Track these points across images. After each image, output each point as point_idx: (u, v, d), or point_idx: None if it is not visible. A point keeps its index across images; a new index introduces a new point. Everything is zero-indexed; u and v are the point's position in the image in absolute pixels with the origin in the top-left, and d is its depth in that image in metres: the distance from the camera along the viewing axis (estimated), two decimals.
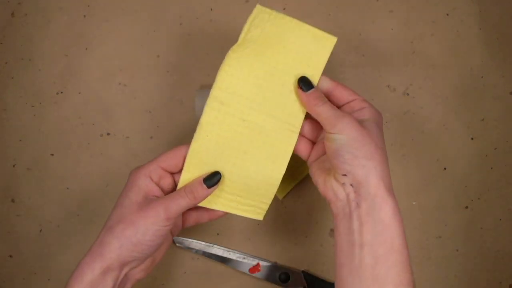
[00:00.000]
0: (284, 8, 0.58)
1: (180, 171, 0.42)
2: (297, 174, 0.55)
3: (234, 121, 0.42)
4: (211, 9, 0.58)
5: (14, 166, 0.57)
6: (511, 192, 0.57)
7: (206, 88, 0.57)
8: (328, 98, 0.42)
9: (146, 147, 0.56)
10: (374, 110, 0.41)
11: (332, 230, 0.56)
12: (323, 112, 0.39)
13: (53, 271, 0.55)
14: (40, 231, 0.56)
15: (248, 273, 0.54)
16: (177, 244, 0.54)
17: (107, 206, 0.56)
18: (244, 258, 0.55)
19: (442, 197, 0.56)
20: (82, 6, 0.58)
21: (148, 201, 0.39)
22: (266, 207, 0.44)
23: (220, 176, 0.41)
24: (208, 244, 0.55)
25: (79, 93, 0.57)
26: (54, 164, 0.56)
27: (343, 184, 0.38)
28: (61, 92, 0.57)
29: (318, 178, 0.41)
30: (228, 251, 0.55)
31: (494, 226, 0.56)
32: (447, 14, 0.59)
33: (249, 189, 0.43)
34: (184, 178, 0.42)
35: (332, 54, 0.58)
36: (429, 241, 0.56)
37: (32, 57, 0.58)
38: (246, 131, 0.42)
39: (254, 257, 0.55)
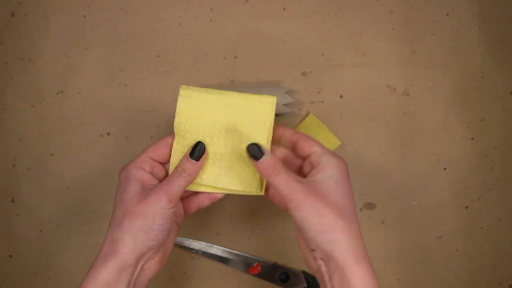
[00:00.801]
0: (284, 9, 0.58)
1: (168, 161, 0.43)
2: None
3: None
4: (211, 9, 0.58)
5: (14, 166, 0.57)
6: (511, 192, 0.57)
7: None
8: (294, 148, 0.43)
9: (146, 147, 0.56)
10: (333, 161, 0.40)
11: None
12: (278, 184, 0.38)
13: (53, 271, 0.55)
14: (40, 231, 0.56)
15: (248, 273, 0.54)
16: (177, 244, 0.54)
17: (107, 206, 0.56)
18: (244, 258, 0.54)
19: (442, 197, 0.56)
20: (82, 6, 0.58)
21: (147, 190, 0.40)
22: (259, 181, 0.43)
23: (203, 145, 0.41)
24: (208, 244, 0.55)
25: (79, 93, 0.57)
26: (54, 164, 0.56)
27: (315, 258, 0.39)
28: (61, 92, 0.57)
29: (300, 248, 0.42)
30: (228, 251, 0.55)
31: (494, 226, 0.56)
32: (447, 14, 0.59)
33: (239, 161, 0.43)
34: (173, 161, 0.42)
35: (332, 54, 0.58)
36: (429, 241, 0.56)
37: (32, 57, 0.58)
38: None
39: (254, 257, 0.55)
